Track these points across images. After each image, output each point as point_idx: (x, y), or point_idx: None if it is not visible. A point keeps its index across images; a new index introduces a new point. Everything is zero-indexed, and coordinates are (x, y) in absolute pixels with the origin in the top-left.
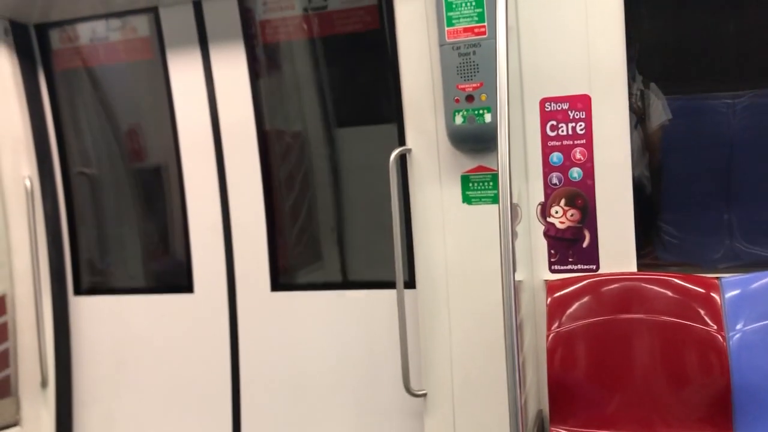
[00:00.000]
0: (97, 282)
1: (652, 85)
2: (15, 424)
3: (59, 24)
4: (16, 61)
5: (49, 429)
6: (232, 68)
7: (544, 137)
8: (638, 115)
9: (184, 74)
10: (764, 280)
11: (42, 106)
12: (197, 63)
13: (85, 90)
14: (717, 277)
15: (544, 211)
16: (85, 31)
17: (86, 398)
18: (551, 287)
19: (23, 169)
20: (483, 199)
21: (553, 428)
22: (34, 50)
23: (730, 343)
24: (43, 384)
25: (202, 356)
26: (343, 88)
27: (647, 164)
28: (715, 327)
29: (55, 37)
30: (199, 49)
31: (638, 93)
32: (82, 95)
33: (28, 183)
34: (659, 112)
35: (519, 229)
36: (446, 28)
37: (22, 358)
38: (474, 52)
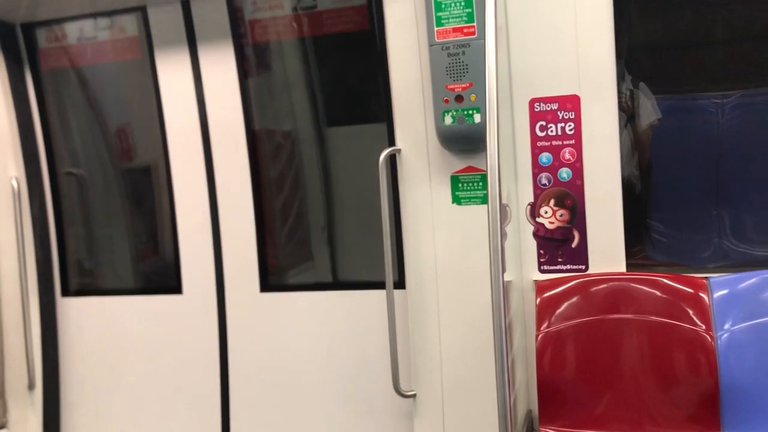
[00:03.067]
0: (85, 283)
1: (642, 84)
2: (2, 426)
3: (46, 23)
4: (1, 60)
5: (36, 431)
6: (221, 68)
7: (534, 137)
8: (627, 115)
9: (173, 74)
10: (752, 280)
11: (29, 106)
12: (186, 62)
13: (73, 90)
14: (705, 277)
15: (534, 211)
16: (72, 31)
17: (74, 400)
18: (540, 287)
19: (10, 170)
20: (472, 200)
21: (542, 428)
22: (21, 50)
23: (719, 342)
24: (30, 386)
25: (191, 357)
26: (333, 88)
27: (636, 164)
28: (704, 327)
29: (42, 36)
30: (188, 48)
31: (627, 93)
32: (70, 95)
33: (15, 183)
34: (648, 111)
35: (508, 229)
36: (435, 28)
37: (9, 360)
38: (463, 53)
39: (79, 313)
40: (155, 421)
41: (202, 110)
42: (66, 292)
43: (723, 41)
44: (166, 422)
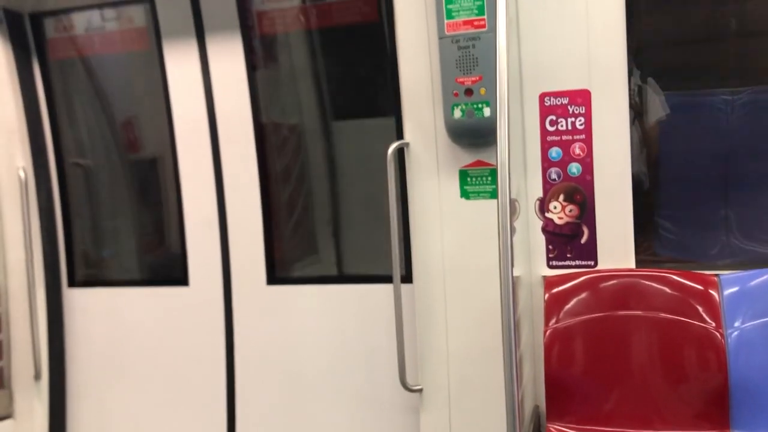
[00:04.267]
0: (92, 274)
1: (650, 80)
2: (8, 416)
3: (54, 13)
4: (10, 50)
5: (42, 422)
6: (229, 60)
7: (543, 132)
8: (636, 111)
9: (181, 65)
10: (763, 278)
11: (36, 97)
12: (194, 54)
13: (81, 80)
14: (716, 274)
15: (543, 206)
16: (80, 21)
17: (80, 391)
18: (549, 283)
19: (17, 160)
20: (481, 194)
21: (549, 425)
22: (29, 39)
23: (728, 340)
24: (37, 376)
25: (197, 349)
26: (341, 80)
27: (645, 160)
28: (714, 324)
29: (50, 26)
30: (196, 39)
31: (636, 88)
32: (77, 85)
33: (22, 174)
34: (657, 107)
35: (517, 224)
36: (446, 21)
37: (16, 351)
38: (473, 46)
39: (86, 304)
40: (161, 411)
41: (209, 102)
42: (72, 283)
43: (733, 37)
44: (171, 413)
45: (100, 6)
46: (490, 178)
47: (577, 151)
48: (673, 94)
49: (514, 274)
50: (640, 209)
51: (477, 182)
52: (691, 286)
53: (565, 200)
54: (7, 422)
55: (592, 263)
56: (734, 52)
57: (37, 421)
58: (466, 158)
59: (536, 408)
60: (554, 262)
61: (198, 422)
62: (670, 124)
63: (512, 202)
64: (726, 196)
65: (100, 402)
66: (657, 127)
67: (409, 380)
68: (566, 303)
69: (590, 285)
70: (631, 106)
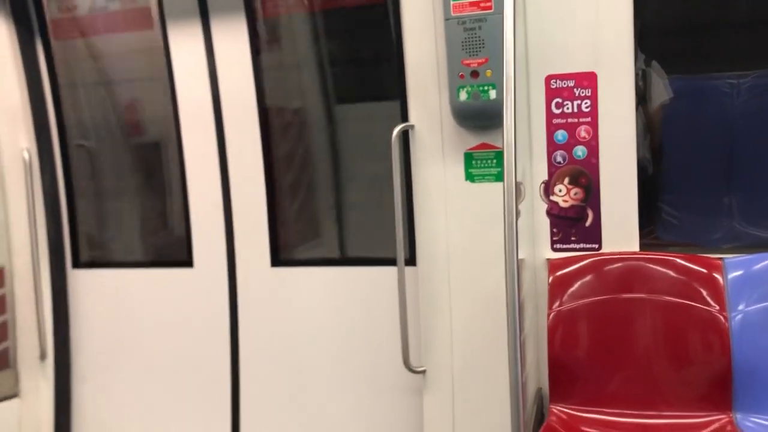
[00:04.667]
0: (96, 255)
1: (654, 63)
2: (14, 395)
3: None
4: (13, 30)
5: (47, 401)
6: (234, 42)
7: (549, 115)
8: (639, 95)
9: (185, 47)
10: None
11: (40, 77)
12: (198, 35)
13: (84, 61)
14: (720, 258)
15: (548, 189)
16: (83, 1)
17: (85, 371)
18: (553, 266)
19: (21, 141)
20: (486, 177)
21: (552, 406)
22: (32, 20)
23: (732, 323)
24: (42, 356)
25: (201, 330)
26: (345, 63)
27: (649, 144)
28: (717, 307)
29: (53, 6)
30: (200, 21)
31: (640, 72)
32: (81, 66)
33: (26, 155)
34: (660, 91)
35: (522, 207)
36: (451, 2)
37: (21, 331)
38: (480, 27)
39: (90, 285)
40: (165, 392)
41: (214, 84)
42: (77, 264)
43: (740, 20)
44: (175, 393)
45: None
46: (495, 161)
47: (583, 134)
48: (677, 77)
49: (519, 256)
50: (644, 193)
51: (482, 165)
52: (695, 269)
53: (570, 183)
54: (13, 401)
55: (597, 246)
56: (740, 36)
57: (42, 400)
58: (472, 141)
59: (539, 390)
60: (558, 245)
61: (202, 402)
62: (675, 108)
63: (518, 185)
64: (730, 181)
65: (105, 381)
66: (661, 111)
67: (413, 362)
68: (570, 286)
69: (594, 268)
70: (636, 90)
